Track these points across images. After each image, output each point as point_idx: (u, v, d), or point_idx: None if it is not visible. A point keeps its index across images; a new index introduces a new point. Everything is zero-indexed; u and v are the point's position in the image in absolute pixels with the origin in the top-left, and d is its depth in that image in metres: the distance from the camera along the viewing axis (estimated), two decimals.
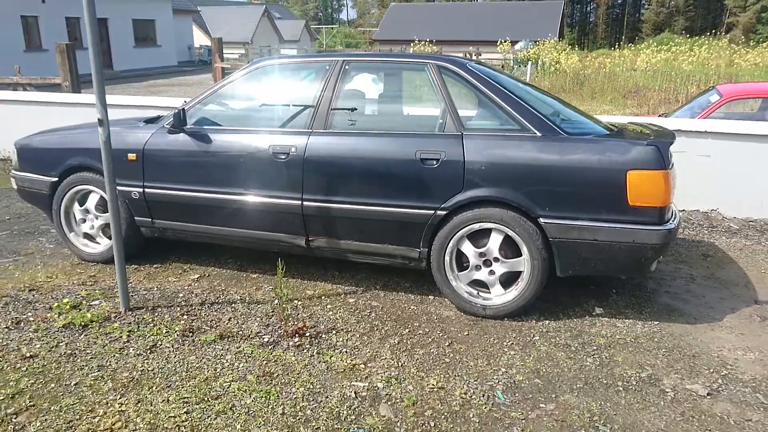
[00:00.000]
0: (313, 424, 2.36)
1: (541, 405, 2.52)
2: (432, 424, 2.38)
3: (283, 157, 3.43)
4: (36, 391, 2.52)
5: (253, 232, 3.64)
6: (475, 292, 3.33)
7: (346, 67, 3.56)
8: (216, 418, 2.37)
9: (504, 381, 2.69)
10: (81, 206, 3.96)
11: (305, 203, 3.43)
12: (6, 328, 3.05)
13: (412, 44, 26.20)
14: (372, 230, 3.40)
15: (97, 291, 3.53)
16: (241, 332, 3.07)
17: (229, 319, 3.22)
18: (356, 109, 3.56)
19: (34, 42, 22.16)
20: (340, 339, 3.04)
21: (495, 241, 3.21)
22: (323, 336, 3.06)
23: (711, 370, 2.80)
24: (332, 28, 71.04)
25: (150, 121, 3.95)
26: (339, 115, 3.48)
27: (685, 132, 5.20)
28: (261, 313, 3.30)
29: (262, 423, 2.35)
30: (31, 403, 2.43)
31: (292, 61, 3.81)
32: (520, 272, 3.22)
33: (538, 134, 3.14)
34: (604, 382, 2.69)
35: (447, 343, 3.03)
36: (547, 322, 3.26)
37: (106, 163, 3.03)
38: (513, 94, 3.28)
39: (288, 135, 3.49)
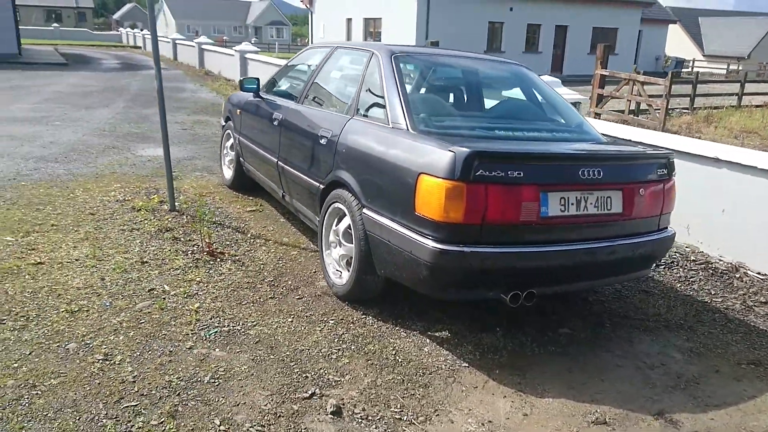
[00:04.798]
0: (101, 292, 3.27)
1: (216, 351, 2.79)
2: (148, 327, 2.96)
3: (276, 122, 4.20)
4: (55, 220, 4.25)
5: (267, 180, 4.54)
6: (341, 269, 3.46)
7: (335, 52, 4.02)
8: (75, 264, 3.57)
9: (238, 331, 2.98)
10: (226, 143, 5.58)
11: (279, 162, 4.14)
12: (116, 201, 4.89)
13: None
14: (303, 194, 3.86)
15: (191, 199, 5.07)
16: (190, 241, 4.11)
17: (200, 235, 4.27)
18: (322, 87, 4.00)
19: (495, 44, 25.69)
20: (226, 268, 3.74)
21: (344, 223, 3.29)
22: (222, 262, 3.81)
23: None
24: None
25: None
26: (313, 91, 4.01)
27: None
28: (227, 238, 4.22)
29: (85, 279, 3.40)
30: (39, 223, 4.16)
31: (321, 45, 4.44)
32: None
33: (389, 126, 3.06)
34: (271, 358, 2.70)
35: (270, 296, 3.39)
36: (373, 321, 3.16)
37: (160, 110, 4.45)
38: (400, 89, 3.18)
39: (283, 104, 4.22)
